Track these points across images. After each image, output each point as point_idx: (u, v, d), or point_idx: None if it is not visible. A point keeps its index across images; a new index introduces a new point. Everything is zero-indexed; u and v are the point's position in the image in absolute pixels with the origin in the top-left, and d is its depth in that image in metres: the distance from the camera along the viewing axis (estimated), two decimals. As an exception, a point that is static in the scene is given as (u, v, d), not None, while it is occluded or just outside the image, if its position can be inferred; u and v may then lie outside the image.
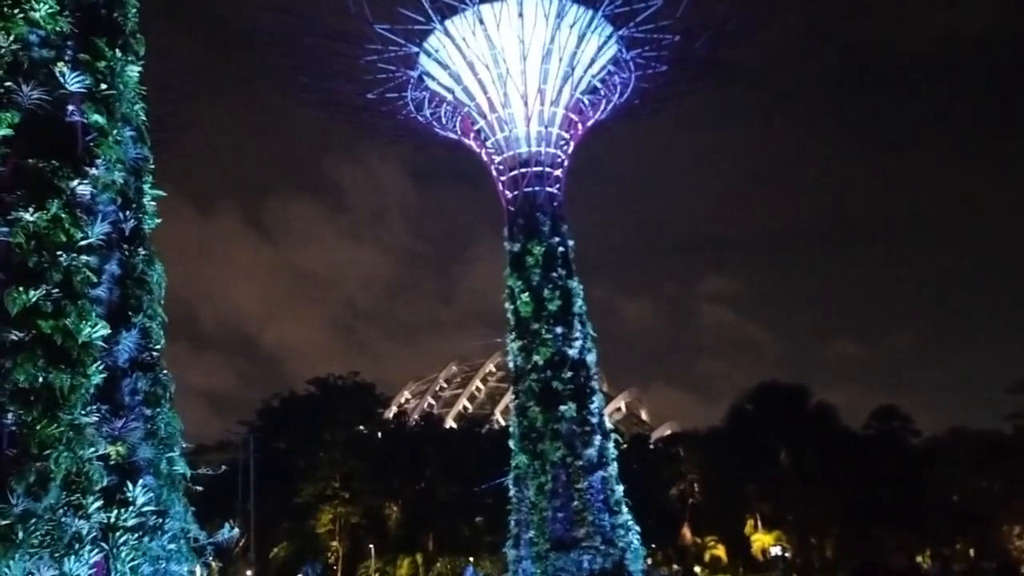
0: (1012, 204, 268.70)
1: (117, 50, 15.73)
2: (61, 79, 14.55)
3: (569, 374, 43.46)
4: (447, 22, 45.51)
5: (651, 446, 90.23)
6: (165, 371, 15.75)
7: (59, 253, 13.69)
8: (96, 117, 14.93)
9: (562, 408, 42.71)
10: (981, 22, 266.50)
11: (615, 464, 43.69)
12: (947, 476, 69.39)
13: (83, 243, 14.11)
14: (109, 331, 14.15)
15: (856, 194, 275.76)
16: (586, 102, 48.99)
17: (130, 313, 15.17)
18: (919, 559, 75.08)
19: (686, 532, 76.87)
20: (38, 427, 12.73)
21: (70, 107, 14.71)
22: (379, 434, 78.59)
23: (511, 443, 44.25)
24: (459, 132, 50.32)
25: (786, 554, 71.96)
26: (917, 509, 66.59)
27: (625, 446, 54.07)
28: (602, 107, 50.20)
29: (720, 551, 75.06)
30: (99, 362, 13.81)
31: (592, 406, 43.88)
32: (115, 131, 15.33)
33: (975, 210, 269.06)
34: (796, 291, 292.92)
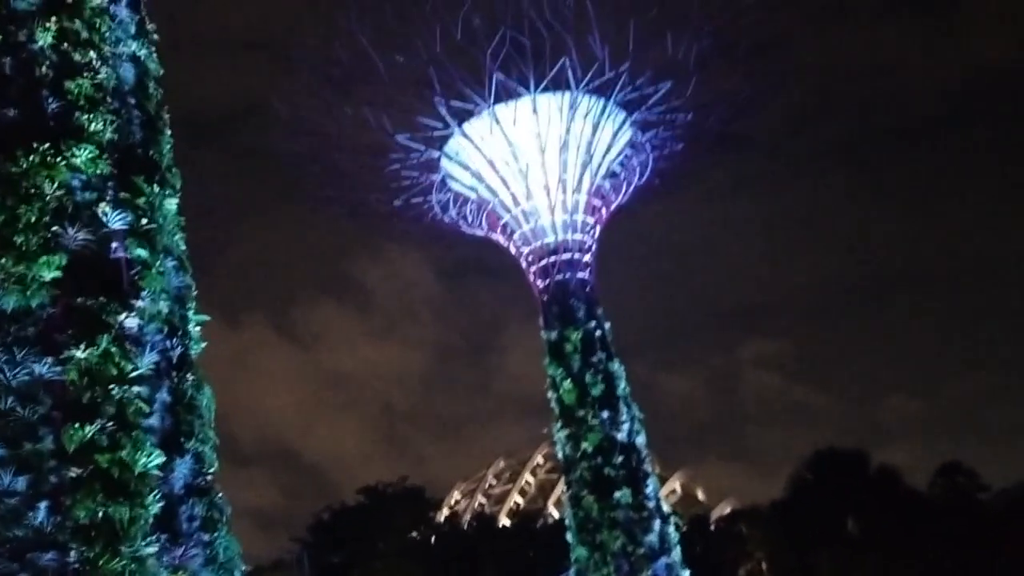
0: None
1: (155, 185, 16.22)
2: (104, 219, 14.97)
3: (620, 459, 42.75)
4: (464, 125, 46.81)
5: (712, 526, 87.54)
6: (220, 494, 15.69)
7: (111, 387, 13.84)
8: (139, 251, 15.28)
9: (617, 495, 41.83)
10: (1001, 65, 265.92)
11: (678, 549, 42.45)
12: (1025, 531, 66.26)
13: (133, 375, 14.26)
14: (164, 459, 14.21)
15: (888, 248, 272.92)
16: (607, 186, 49.66)
17: (183, 439, 15.19)
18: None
19: (759, 614, 73.86)
20: (100, 562, 12.65)
21: (114, 244, 15.09)
22: (433, 539, 77.28)
23: (568, 536, 43.25)
24: (486, 228, 51.07)
25: (866, 629, 68.61)
26: (998, 570, 63.45)
27: (685, 529, 52.61)
28: (623, 189, 50.85)
29: (797, 631, 71.78)
30: (156, 491, 13.82)
31: (647, 490, 42.95)
32: (158, 263, 15.67)
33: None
34: (841, 349, 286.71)
